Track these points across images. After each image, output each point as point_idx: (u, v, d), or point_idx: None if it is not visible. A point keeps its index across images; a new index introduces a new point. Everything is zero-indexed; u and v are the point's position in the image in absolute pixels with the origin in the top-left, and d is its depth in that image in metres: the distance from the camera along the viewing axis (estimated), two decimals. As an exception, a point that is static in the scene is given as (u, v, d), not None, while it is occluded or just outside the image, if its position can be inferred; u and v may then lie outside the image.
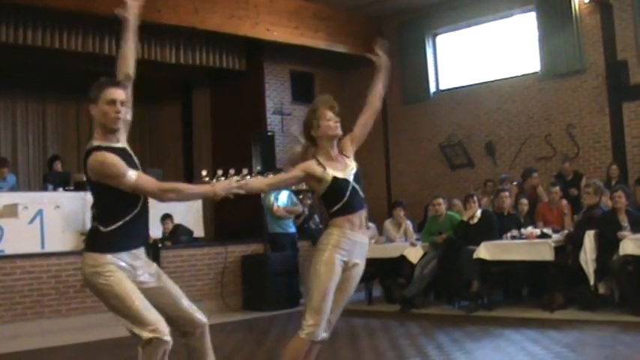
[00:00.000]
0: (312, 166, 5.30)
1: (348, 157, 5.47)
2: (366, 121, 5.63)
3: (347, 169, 5.37)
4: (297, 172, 5.31)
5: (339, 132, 5.38)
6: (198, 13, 14.21)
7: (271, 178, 5.54)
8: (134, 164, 4.86)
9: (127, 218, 4.78)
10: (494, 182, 14.01)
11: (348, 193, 5.28)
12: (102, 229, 4.77)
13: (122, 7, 5.13)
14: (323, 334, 5.23)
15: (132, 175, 4.69)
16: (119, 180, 4.67)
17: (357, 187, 5.35)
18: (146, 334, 4.63)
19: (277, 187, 9.83)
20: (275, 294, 12.76)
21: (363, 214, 5.42)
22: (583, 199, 11.16)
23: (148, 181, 4.81)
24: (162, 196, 4.87)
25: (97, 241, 4.81)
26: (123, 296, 4.68)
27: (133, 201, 4.81)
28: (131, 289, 4.73)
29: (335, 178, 5.26)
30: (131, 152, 4.97)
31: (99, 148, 4.75)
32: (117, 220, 4.76)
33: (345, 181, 5.30)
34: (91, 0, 12.70)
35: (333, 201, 5.30)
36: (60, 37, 13.53)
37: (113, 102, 4.83)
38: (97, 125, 4.90)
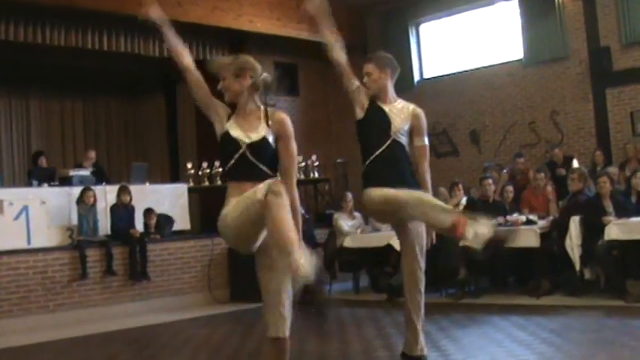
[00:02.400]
0: (225, 107, 4.92)
1: (268, 126, 4.81)
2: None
3: (250, 133, 4.78)
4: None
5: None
6: (181, 6, 14.17)
7: None
8: None
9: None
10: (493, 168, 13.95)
11: (235, 157, 4.73)
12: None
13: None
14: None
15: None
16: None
17: (252, 158, 4.71)
18: None
19: None
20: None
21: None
22: (569, 185, 11.20)
23: None
24: None
25: None
26: None
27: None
28: None
29: (226, 134, 4.79)
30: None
31: None
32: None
33: (235, 144, 4.75)
34: (73, -6, 12.69)
35: (222, 159, 4.92)
36: (42, 32, 13.46)
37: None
38: None
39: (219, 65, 4.91)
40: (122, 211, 12.58)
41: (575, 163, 12.59)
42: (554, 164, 13.21)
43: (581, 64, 14.48)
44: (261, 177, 4.64)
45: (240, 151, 4.73)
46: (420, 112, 6.47)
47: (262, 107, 4.86)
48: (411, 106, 6.52)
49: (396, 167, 6.15)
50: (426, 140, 6.39)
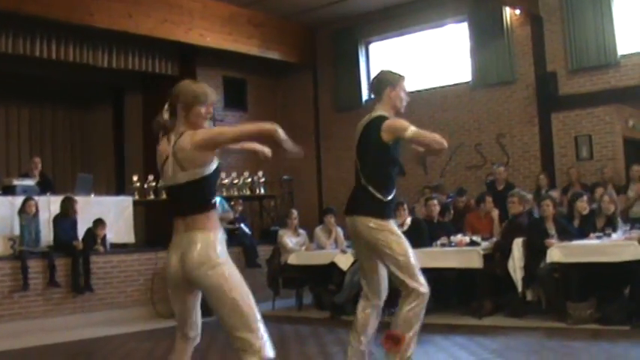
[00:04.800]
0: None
1: None
2: None
3: None
4: None
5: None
6: (131, 17, 14.10)
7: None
8: None
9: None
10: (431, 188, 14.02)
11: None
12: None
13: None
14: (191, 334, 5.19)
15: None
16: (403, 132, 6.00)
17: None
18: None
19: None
20: (205, 300, 12.64)
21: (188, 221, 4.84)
22: (508, 209, 11.33)
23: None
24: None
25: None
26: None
27: None
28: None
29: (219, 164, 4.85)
30: None
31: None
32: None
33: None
34: (21, 1, 12.53)
35: (213, 190, 4.94)
36: (-12, 38, 13.33)
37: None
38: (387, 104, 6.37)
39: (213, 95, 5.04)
40: (66, 223, 12.44)
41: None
42: (494, 187, 13.25)
43: (528, 89, 14.68)
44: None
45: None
46: None
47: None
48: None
49: None
50: None
